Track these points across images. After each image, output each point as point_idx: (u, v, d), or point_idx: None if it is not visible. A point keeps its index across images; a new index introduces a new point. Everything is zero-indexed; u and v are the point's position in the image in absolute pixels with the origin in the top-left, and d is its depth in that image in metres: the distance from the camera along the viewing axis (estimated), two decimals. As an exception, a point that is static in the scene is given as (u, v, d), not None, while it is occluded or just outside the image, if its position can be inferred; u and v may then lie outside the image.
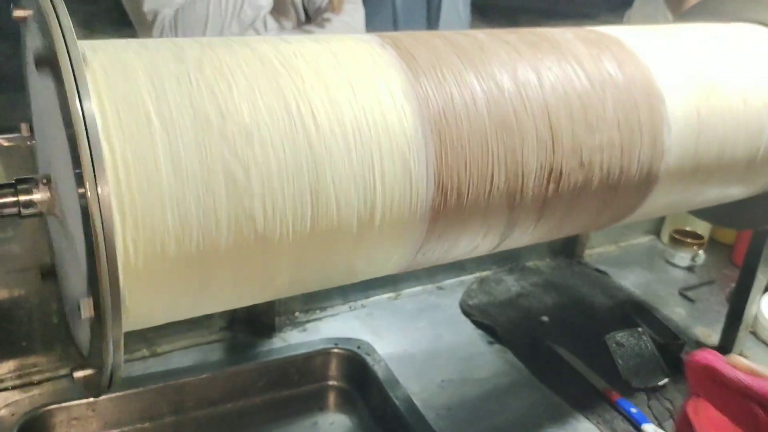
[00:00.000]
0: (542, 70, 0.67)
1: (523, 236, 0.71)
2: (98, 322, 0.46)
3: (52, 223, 0.58)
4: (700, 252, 1.37)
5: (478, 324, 1.13)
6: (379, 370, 0.94)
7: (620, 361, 1.04)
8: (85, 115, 0.43)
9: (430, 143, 0.59)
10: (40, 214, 0.54)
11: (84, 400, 0.83)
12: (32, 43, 0.55)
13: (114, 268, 0.44)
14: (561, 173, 0.67)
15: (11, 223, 0.88)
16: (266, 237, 0.52)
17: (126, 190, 0.46)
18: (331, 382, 0.96)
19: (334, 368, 0.96)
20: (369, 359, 0.95)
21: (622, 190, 0.72)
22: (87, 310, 0.45)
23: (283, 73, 0.56)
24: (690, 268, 1.36)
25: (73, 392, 0.88)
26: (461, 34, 0.70)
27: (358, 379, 0.95)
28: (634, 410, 0.93)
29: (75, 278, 0.53)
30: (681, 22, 0.96)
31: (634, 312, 1.18)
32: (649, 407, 0.96)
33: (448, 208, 0.61)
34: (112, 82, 0.49)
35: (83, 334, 0.53)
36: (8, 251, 0.88)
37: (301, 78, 0.56)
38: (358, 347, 0.97)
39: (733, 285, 1.19)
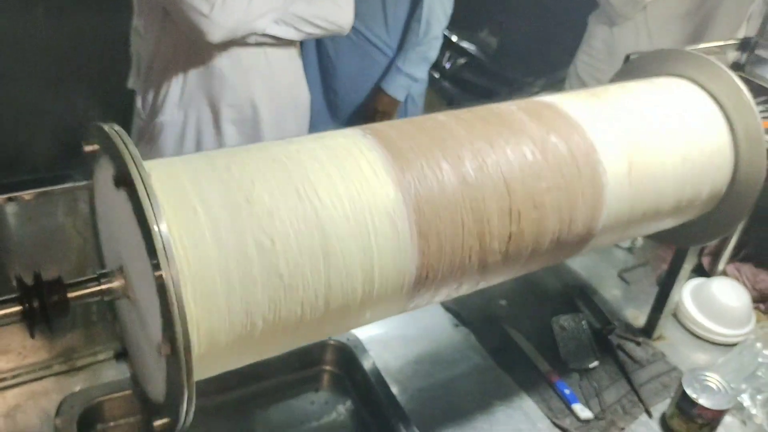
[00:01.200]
0: (499, 149, 0.84)
1: (495, 280, 0.90)
2: (174, 384, 0.64)
3: (122, 303, 0.75)
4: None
5: (446, 308, 1.34)
6: (363, 360, 1.15)
7: (561, 344, 1.27)
8: (160, 230, 0.59)
9: (412, 216, 0.76)
10: (117, 298, 0.72)
11: (127, 392, 1.03)
12: (100, 173, 0.70)
13: (189, 356, 0.61)
14: (521, 236, 0.85)
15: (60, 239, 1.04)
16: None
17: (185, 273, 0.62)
18: (325, 367, 1.17)
19: (328, 356, 1.17)
20: (356, 350, 1.16)
21: (565, 246, 0.90)
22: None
23: (290, 167, 0.73)
24: (630, 249, 1.57)
25: (109, 375, 1.08)
26: (428, 119, 0.87)
27: (348, 366, 1.16)
28: (567, 391, 1.16)
29: (147, 347, 0.71)
30: (616, 80, 1.11)
31: (577, 296, 1.40)
32: (579, 387, 1.19)
33: (429, 276, 0.79)
34: (167, 190, 0.64)
35: (156, 389, 0.71)
36: (55, 266, 1.04)
37: (304, 168, 0.72)
38: (348, 339, 1.17)
39: (665, 267, 1.41)
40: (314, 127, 2.33)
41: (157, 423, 0.69)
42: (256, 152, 0.76)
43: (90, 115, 2.79)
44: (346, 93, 2.36)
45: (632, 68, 1.11)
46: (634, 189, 0.94)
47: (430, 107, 2.75)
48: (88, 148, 0.67)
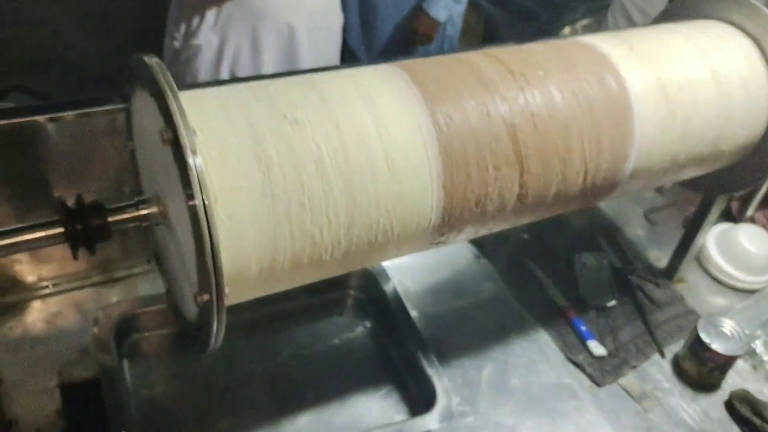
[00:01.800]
0: (530, 91, 0.84)
1: (520, 222, 0.91)
2: (207, 307, 0.67)
3: (158, 229, 0.78)
4: (670, 176, 1.56)
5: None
6: (385, 285, 1.19)
7: (581, 281, 1.29)
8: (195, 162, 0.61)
9: (440, 157, 0.77)
10: (155, 225, 0.75)
11: (161, 306, 1.08)
12: (139, 101, 0.72)
13: (219, 268, 0.63)
14: (549, 180, 0.85)
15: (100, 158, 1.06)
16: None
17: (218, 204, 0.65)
18: (350, 291, 1.22)
19: (353, 281, 1.21)
20: (379, 276, 1.19)
21: (593, 191, 0.91)
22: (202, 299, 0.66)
23: (326, 100, 0.74)
24: (659, 189, 1.56)
25: (146, 293, 1.14)
26: (460, 58, 0.86)
27: (371, 291, 1.20)
28: (583, 328, 1.19)
29: (181, 271, 0.75)
30: (659, 21, 1.08)
31: (601, 234, 1.41)
32: (596, 324, 1.22)
33: (454, 217, 0.80)
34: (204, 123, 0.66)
35: (190, 310, 0.75)
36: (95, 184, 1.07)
37: (337, 102, 0.73)
38: (371, 266, 1.20)
39: (692, 209, 1.41)
40: (351, 49, 2.30)
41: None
42: (293, 84, 0.76)
43: (126, 18, 2.76)
44: (386, 13, 2.31)
45: (677, 8, 1.08)
46: (666, 135, 0.94)
47: (467, 28, 2.69)
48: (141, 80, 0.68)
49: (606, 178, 0.91)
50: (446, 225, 0.80)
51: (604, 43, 0.94)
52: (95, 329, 1.04)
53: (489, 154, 0.80)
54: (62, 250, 1.13)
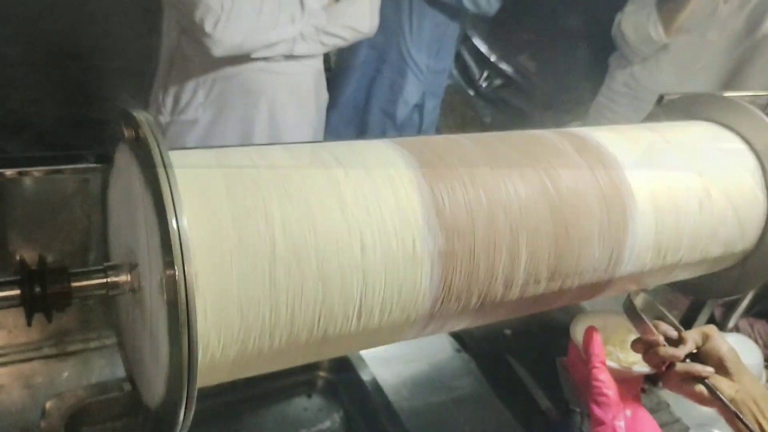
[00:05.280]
0: (534, 178, 0.80)
1: (507, 317, 0.86)
2: (175, 394, 0.60)
3: (124, 300, 0.71)
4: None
5: (450, 331, 1.31)
6: (362, 370, 1.12)
7: (565, 385, 1.23)
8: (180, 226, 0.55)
9: (440, 242, 0.72)
10: (123, 294, 0.69)
11: (115, 395, 0.99)
12: (120, 159, 0.67)
13: (195, 354, 0.57)
14: (545, 274, 0.81)
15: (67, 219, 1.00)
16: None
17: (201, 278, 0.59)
18: (320, 373, 1.14)
19: (324, 362, 1.13)
20: (354, 359, 1.12)
21: (583, 289, 0.87)
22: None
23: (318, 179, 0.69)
24: (644, 290, 1.53)
25: (101, 370, 1.05)
26: (469, 140, 0.83)
27: (344, 373, 1.13)
28: (566, 432, 1.13)
29: (147, 348, 0.67)
30: (651, 120, 1.08)
31: (585, 334, 1.36)
32: (580, 429, 1.15)
33: (445, 307, 0.75)
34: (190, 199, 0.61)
35: (152, 395, 0.68)
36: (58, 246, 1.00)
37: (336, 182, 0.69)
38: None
39: (675, 312, 1.37)
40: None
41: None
42: (289, 156, 0.72)
43: (109, 93, 2.75)
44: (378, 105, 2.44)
45: (664, 110, 1.08)
46: (662, 235, 0.91)
47: (464, 123, 2.74)
48: (128, 133, 0.63)
49: (602, 275, 0.87)
50: (436, 315, 0.75)
51: (605, 137, 0.91)
52: (42, 423, 0.94)
53: (491, 244, 0.75)
54: (15, 318, 1.05)
